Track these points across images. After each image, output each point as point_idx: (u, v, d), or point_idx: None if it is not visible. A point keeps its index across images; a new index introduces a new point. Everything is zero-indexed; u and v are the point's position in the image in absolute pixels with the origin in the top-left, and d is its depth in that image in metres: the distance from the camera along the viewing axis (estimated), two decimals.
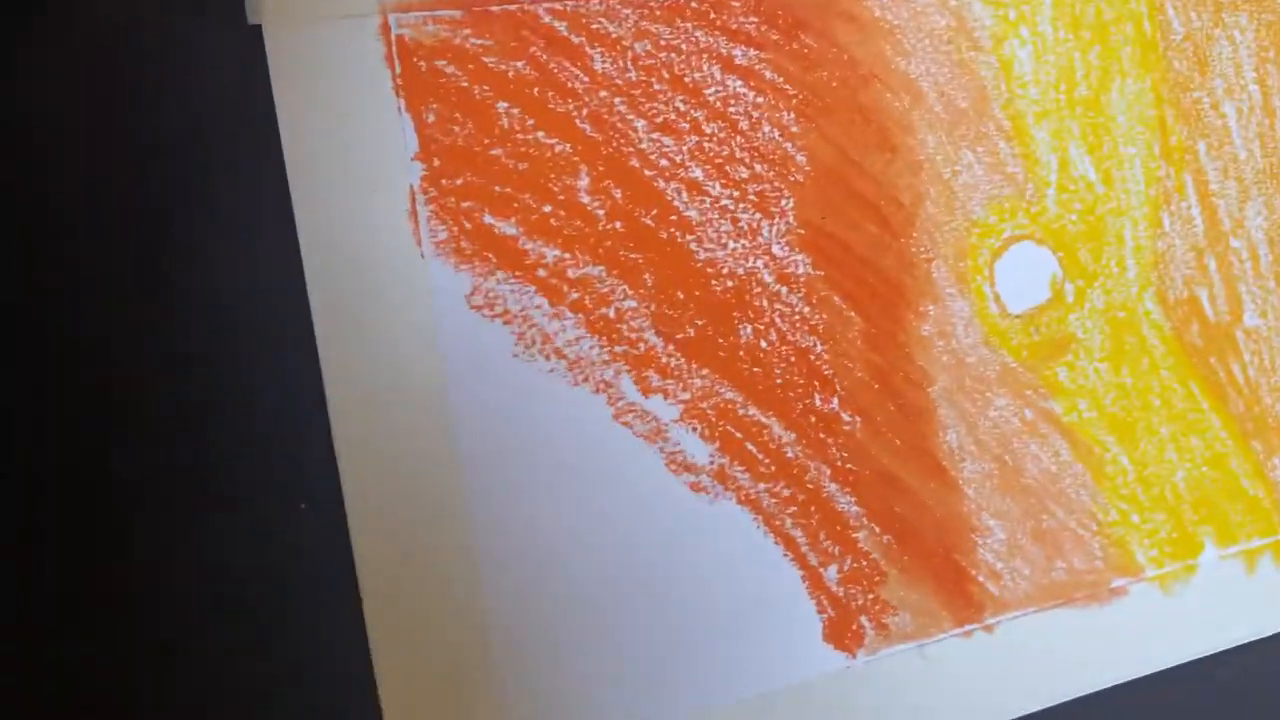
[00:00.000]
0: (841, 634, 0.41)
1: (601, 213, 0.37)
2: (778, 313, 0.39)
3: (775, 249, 0.39)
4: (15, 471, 0.32)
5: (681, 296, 0.38)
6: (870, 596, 0.41)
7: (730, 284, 0.39)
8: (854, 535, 0.41)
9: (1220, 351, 0.46)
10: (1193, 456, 0.45)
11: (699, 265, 0.38)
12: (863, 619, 0.41)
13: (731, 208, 0.39)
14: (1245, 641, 0.45)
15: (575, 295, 0.37)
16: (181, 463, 0.34)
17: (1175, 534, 0.45)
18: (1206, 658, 0.45)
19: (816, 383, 0.40)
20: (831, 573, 0.41)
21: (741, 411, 0.39)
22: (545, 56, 0.36)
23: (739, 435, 0.39)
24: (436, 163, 0.35)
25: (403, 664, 0.35)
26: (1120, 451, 0.44)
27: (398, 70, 0.35)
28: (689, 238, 0.38)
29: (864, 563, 0.41)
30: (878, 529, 0.41)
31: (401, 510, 0.35)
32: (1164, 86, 0.44)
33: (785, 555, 0.40)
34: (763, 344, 0.39)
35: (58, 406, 0.33)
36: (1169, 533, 0.45)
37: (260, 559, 0.35)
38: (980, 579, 0.42)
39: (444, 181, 0.35)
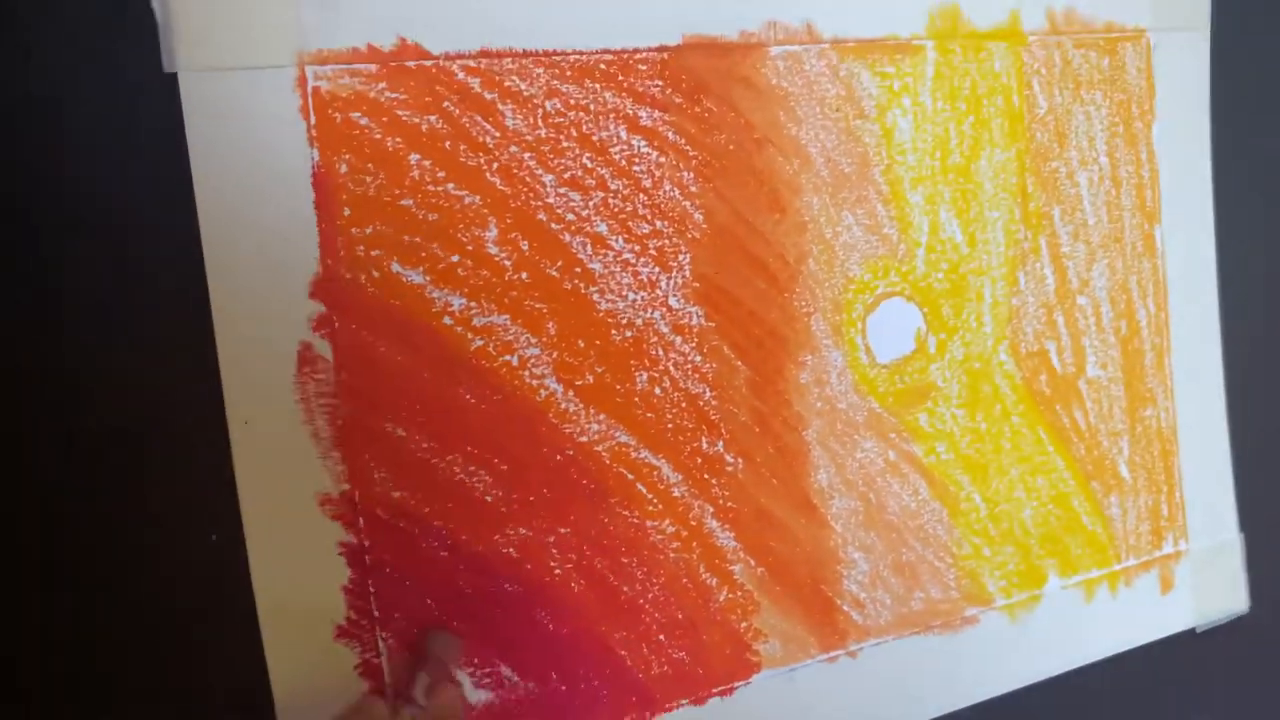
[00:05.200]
0: (717, 661, 0.43)
1: (509, 263, 0.39)
2: (672, 361, 0.42)
3: (672, 301, 0.41)
4: None
5: (582, 345, 0.40)
6: (745, 625, 0.44)
7: (629, 334, 0.41)
8: (731, 568, 0.43)
9: (1065, 400, 0.50)
10: (1039, 495, 0.50)
11: (600, 315, 0.40)
12: (737, 646, 0.44)
13: (633, 261, 0.41)
14: (1084, 664, 0.50)
15: (480, 343, 0.38)
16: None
17: (1022, 566, 0.49)
18: (1049, 680, 0.49)
19: (704, 427, 0.43)
20: (710, 604, 0.43)
21: (634, 454, 0.41)
22: (458, 111, 0.37)
23: (630, 476, 0.41)
24: (347, 212, 0.36)
25: None
26: (974, 490, 0.48)
27: (313, 121, 0.35)
28: (592, 289, 0.40)
29: (739, 593, 0.44)
30: (753, 562, 0.44)
31: None
32: (1027, 156, 0.48)
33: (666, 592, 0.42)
34: (657, 390, 0.41)
35: None
36: (1017, 564, 0.49)
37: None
38: (845, 608, 0.46)
39: (354, 230, 0.36)
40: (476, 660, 0.39)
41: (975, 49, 0.47)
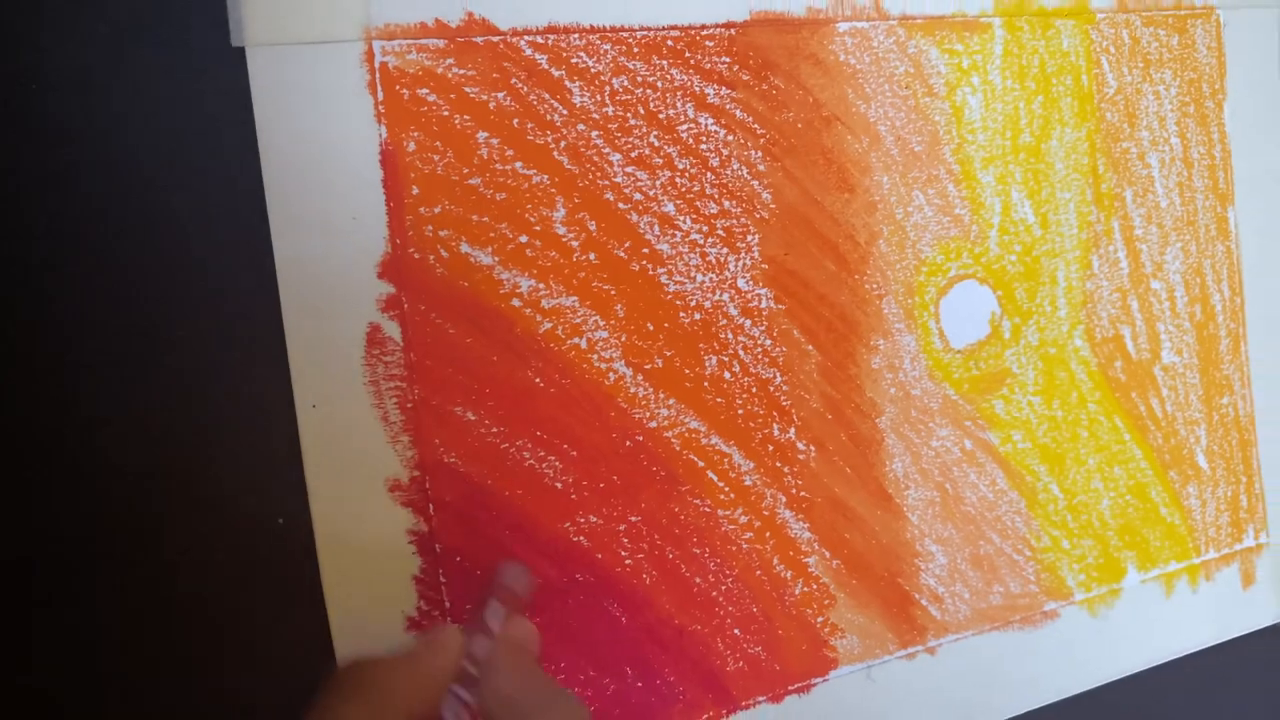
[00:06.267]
0: (794, 657, 0.42)
1: (576, 244, 0.38)
2: (741, 345, 0.41)
3: (740, 283, 0.40)
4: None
5: (651, 328, 0.39)
6: (821, 620, 0.42)
7: (698, 316, 0.40)
8: (805, 560, 0.42)
9: (1141, 387, 0.49)
10: (1117, 485, 0.48)
11: (668, 297, 0.39)
12: (813, 642, 0.42)
13: (701, 242, 0.40)
14: (1164, 660, 0.48)
15: (548, 325, 0.37)
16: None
17: (1101, 559, 0.47)
18: (1130, 677, 0.47)
19: (775, 413, 0.41)
20: (785, 597, 0.42)
21: (704, 441, 0.40)
22: (526, 88, 0.37)
23: (701, 464, 0.40)
24: (416, 190, 0.35)
25: None
26: (1051, 480, 0.47)
27: (380, 98, 0.35)
28: (659, 270, 0.39)
29: (815, 587, 0.42)
30: (828, 554, 0.42)
31: None
32: (1098, 136, 0.47)
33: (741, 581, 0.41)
34: (726, 375, 0.40)
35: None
36: (1096, 558, 0.47)
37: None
38: (923, 603, 0.44)
39: (422, 210, 0.35)
40: (554, 656, 0.38)
41: (1043, 26, 0.45)
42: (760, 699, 0.41)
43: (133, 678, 0.33)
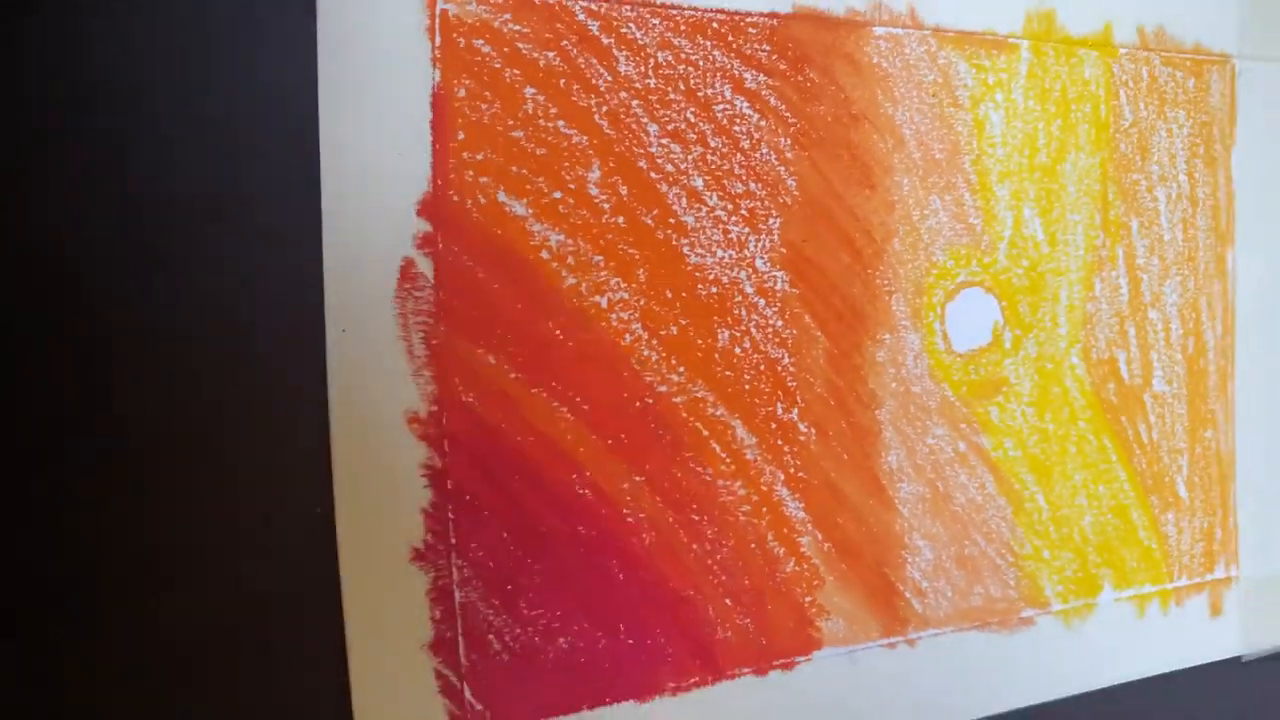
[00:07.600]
0: (781, 632, 0.43)
1: (607, 206, 0.39)
2: (754, 323, 0.42)
3: (758, 263, 0.42)
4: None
5: (669, 295, 0.40)
6: (809, 599, 0.43)
7: (714, 290, 0.41)
8: (799, 540, 0.43)
9: (1130, 411, 0.50)
10: (1100, 503, 0.49)
11: (689, 268, 0.41)
12: (800, 620, 0.43)
13: (724, 219, 0.41)
14: (1131, 679, 0.49)
15: (573, 280, 0.39)
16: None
17: (1079, 573, 0.49)
18: (1095, 692, 0.49)
19: (780, 392, 0.43)
20: (776, 574, 0.43)
21: (710, 410, 0.41)
22: (575, 51, 0.38)
23: (705, 432, 0.41)
24: (461, 135, 0.37)
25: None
26: (1038, 490, 0.48)
27: (437, 43, 0.36)
28: (683, 241, 0.40)
29: (805, 567, 0.43)
30: (820, 536, 0.44)
31: None
32: (1110, 165, 0.49)
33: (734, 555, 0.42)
34: (737, 350, 0.42)
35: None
36: (1074, 571, 0.49)
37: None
38: (907, 595, 0.45)
39: (465, 155, 0.37)
40: (551, 604, 0.39)
41: (1068, 54, 0.47)
42: (745, 670, 0.42)
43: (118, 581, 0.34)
